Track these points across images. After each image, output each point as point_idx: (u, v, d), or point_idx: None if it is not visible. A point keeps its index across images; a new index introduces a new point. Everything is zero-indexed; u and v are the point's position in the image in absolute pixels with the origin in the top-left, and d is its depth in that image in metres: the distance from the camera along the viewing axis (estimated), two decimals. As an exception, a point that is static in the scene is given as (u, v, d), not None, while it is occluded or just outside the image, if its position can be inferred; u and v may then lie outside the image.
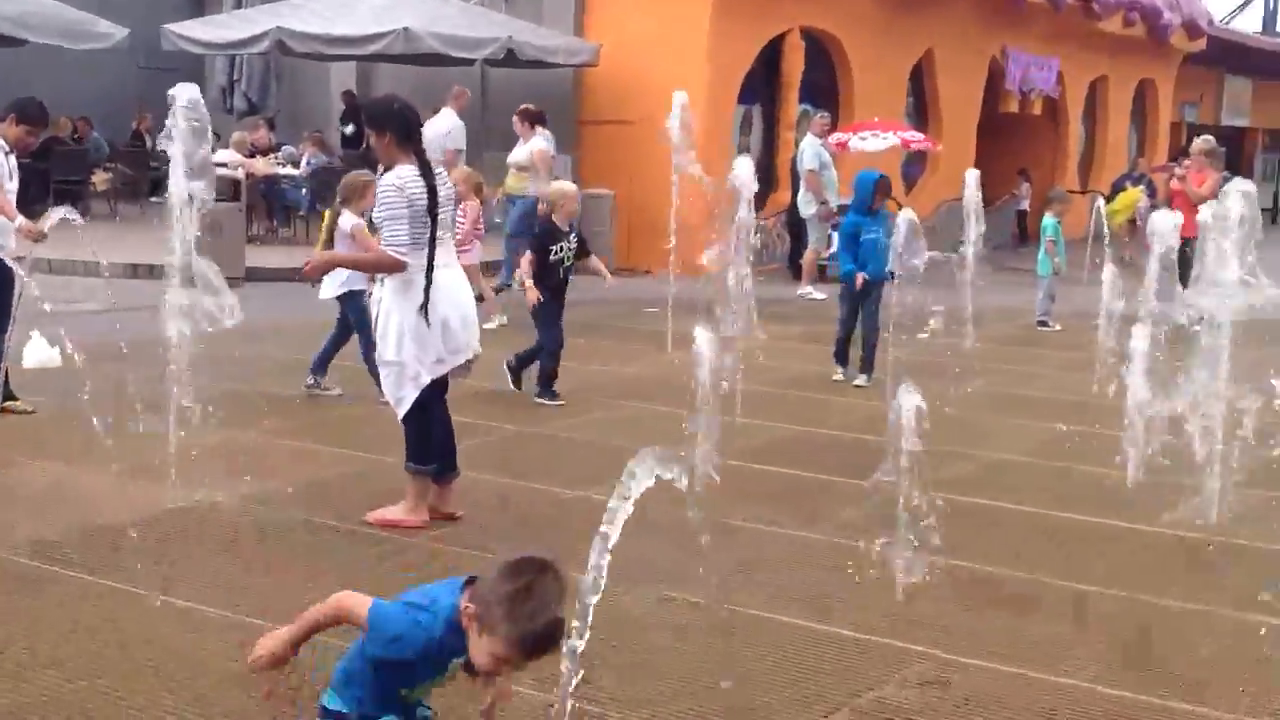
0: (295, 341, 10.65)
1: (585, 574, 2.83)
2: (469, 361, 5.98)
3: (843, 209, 16.62)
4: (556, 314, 8.89)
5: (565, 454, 7.49)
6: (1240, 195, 6.24)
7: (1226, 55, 34.15)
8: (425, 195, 5.62)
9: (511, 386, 8.97)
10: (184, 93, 6.11)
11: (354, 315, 8.34)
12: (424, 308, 5.60)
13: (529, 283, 8.67)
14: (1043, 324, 13.38)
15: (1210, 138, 14.52)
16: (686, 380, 6.46)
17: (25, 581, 5.04)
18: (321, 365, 8.75)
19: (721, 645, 4.62)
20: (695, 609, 4.91)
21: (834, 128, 18.49)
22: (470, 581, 3.05)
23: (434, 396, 5.83)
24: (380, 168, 6.19)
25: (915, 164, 22.86)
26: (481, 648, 2.93)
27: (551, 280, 8.80)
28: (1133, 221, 18.46)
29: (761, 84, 19.71)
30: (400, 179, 5.61)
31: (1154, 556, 5.99)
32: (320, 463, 7.04)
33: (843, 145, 17.99)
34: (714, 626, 4.76)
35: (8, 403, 7.64)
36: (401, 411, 5.79)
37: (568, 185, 9.48)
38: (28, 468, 6.69)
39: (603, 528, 2.72)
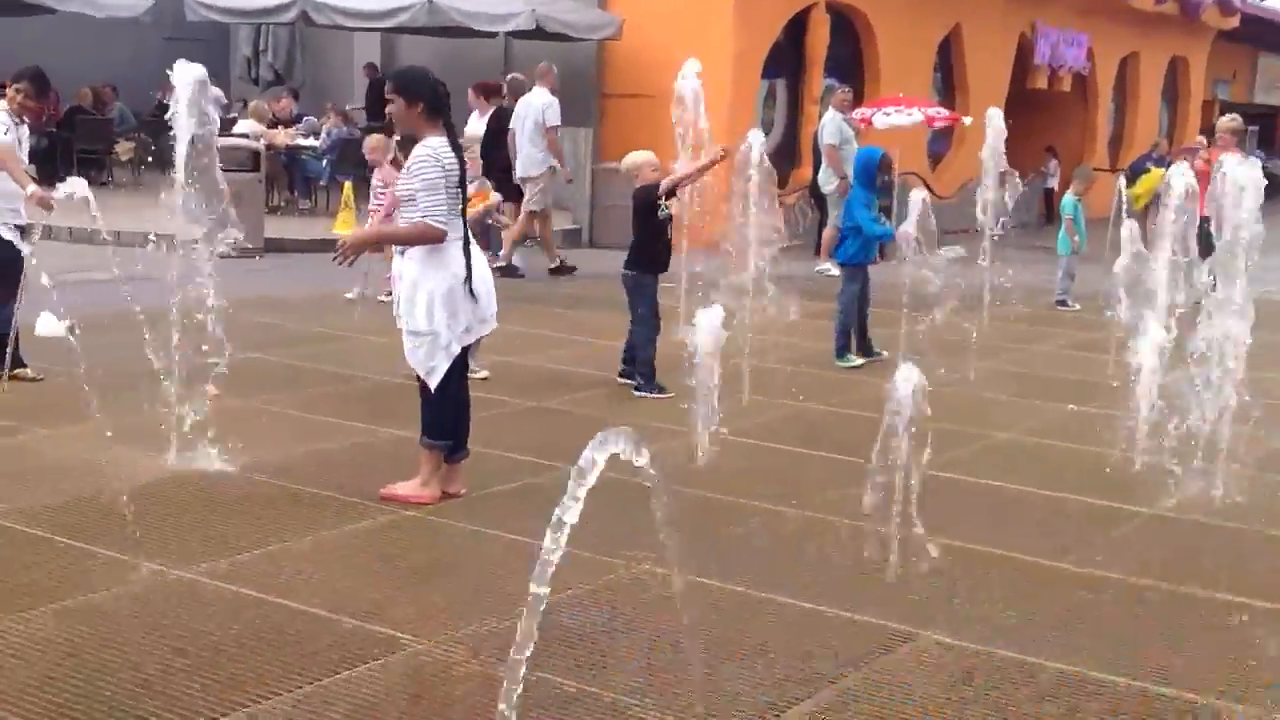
0: (311, 313, 10.74)
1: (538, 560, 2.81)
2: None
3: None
4: (654, 291, 8.38)
5: (572, 428, 7.47)
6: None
7: (1260, 32, 33.68)
8: (458, 167, 5.68)
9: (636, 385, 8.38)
10: (186, 73, 6.10)
11: None
12: (468, 279, 5.65)
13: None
14: (1062, 303, 13.28)
15: (1237, 116, 14.36)
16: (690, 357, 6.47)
17: (26, 548, 5.09)
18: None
19: (708, 621, 4.61)
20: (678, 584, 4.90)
21: (858, 103, 18.38)
22: None
23: (455, 371, 5.84)
24: (397, 137, 6.20)
25: (941, 140, 22.70)
26: None
27: (658, 245, 8.32)
28: (1156, 203, 18.14)
29: (786, 58, 19.59)
30: (434, 149, 5.63)
31: (1155, 539, 5.95)
32: (326, 434, 7.07)
33: (867, 121, 17.86)
34: (705, 604, 4.76)
35: (17, 370, 7.70)
36: (435, 381, 5.77)
37: (639, 155, 8.79)
38: (33, 434, 6.74)
39: (558, 512, 2.70)
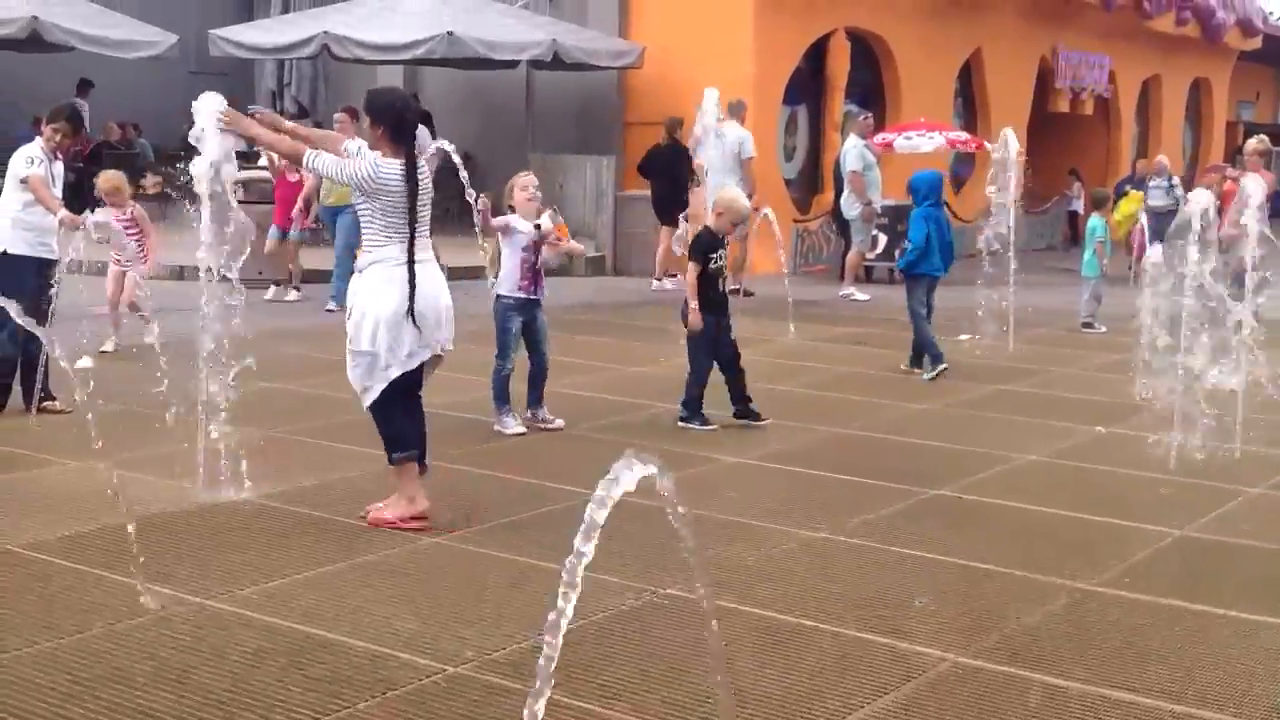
0: (331, 342, 10.74)
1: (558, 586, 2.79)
2: (438, 357, 5.97)
3: (887, 210, 16.61)
4: (711, 339, 8.13)
5: (582, 453, 7.45)
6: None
7: (1284, 53, 33.59)
8: (403, 188, 5.68)
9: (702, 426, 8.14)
10: (209, 103, 6.17)
11: None
12: (410, 304, 5.67)
13: (694, 304, 8.03)
14: (1088, 325, 13.20)
15: (1265, 137, 14.40)
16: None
17: (43, 578, 5.10)
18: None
19: (737, 647, 4.58)
20: (693, 605, 4.87)
21: (879, 127, 18.39)
22: None
23: (407, 391, 5.87)
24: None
25: (964, 164, 22.67)
26: None
27: (711, 293, 8.15)
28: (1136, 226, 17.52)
29: (807, 84, 19.62)
30: (377, 164, 5.70)
31: (1175, 560, 5.88)
32: (348, 462, 7.06)
33: (888, 145, 17.88)
34: (735, 629, 4.73)
35: (46, 403, 7.75)
36: (367, 401, 5.85)
37: (727, 193, 8.72)
38: (61, 466, 6.77)
39: (580, 534, 2.68)
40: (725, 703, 3.65)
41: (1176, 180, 19.13)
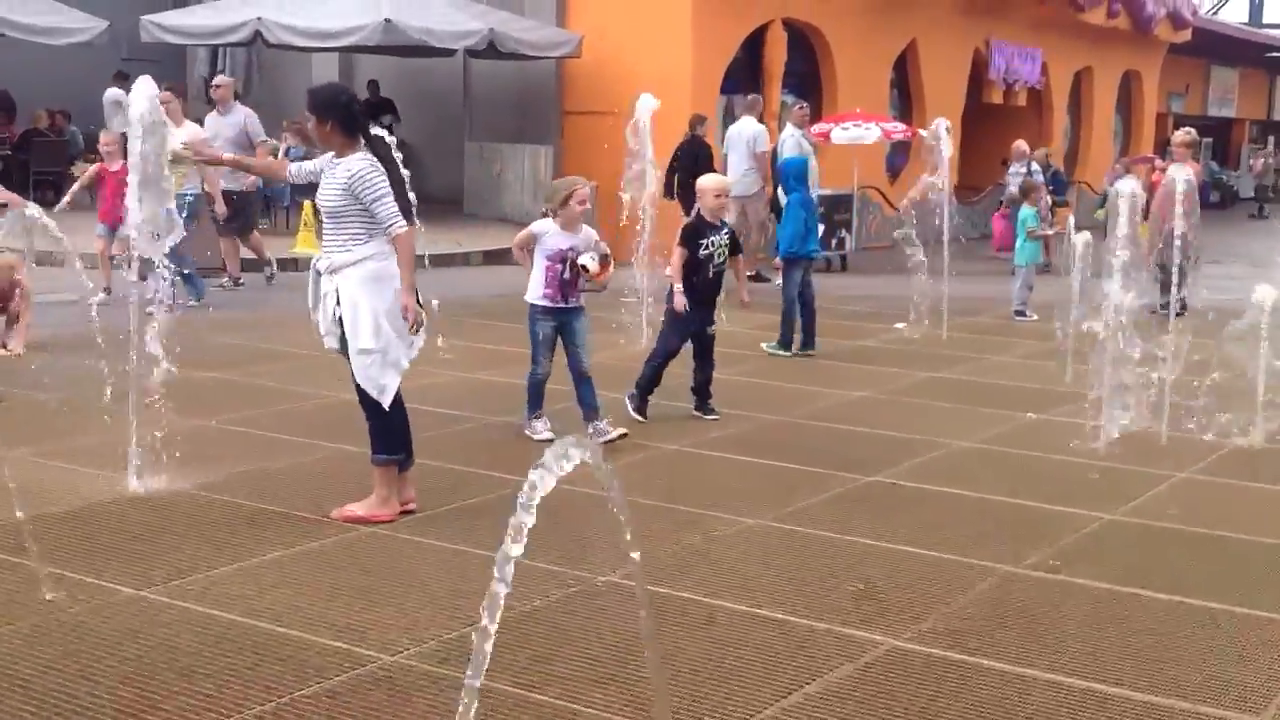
0: (269, 331, 10.68)
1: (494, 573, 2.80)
2: None
3: (824, 199, 16.72)
4: (689, 320, 8.10)
5: (518, 441, 7.45)
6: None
7: (1212, 45, 34.17)
8: (387, 179, 5.69)
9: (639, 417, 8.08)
10: (143, 89, 6.08)
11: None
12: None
13: (679, 286, 7.96)
14: (1020, 314, 13.39)
15: (1192, 130, 14.78)
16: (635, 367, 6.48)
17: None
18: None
19: (672, 632, 4.62)
20: (629, 592, 4.91)
21: (817, 118, 18.49)
22: None
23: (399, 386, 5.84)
24: (318, 152, 6.18)
25: (900, 154, 22.85)
26: None
27: (697, 280, 8.07)
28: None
29: (745, 74, 19.68)
30: (368, 159, 5.66)
31: (1102, 544, 6.00)
32: (285, 452, 7.03)
33: (825, 135, 18.00)
34: (670, 614, 4.77)
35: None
36: (387, 400, 5.76)
37: (707, 179, 8.61)
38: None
39: (513, 521, 2.70)
40: (661, 687, 3.69)
41: (1036, 166, 19.30)
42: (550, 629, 4.65)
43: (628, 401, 8.11)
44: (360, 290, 5.67)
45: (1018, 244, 13.76)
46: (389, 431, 5.84)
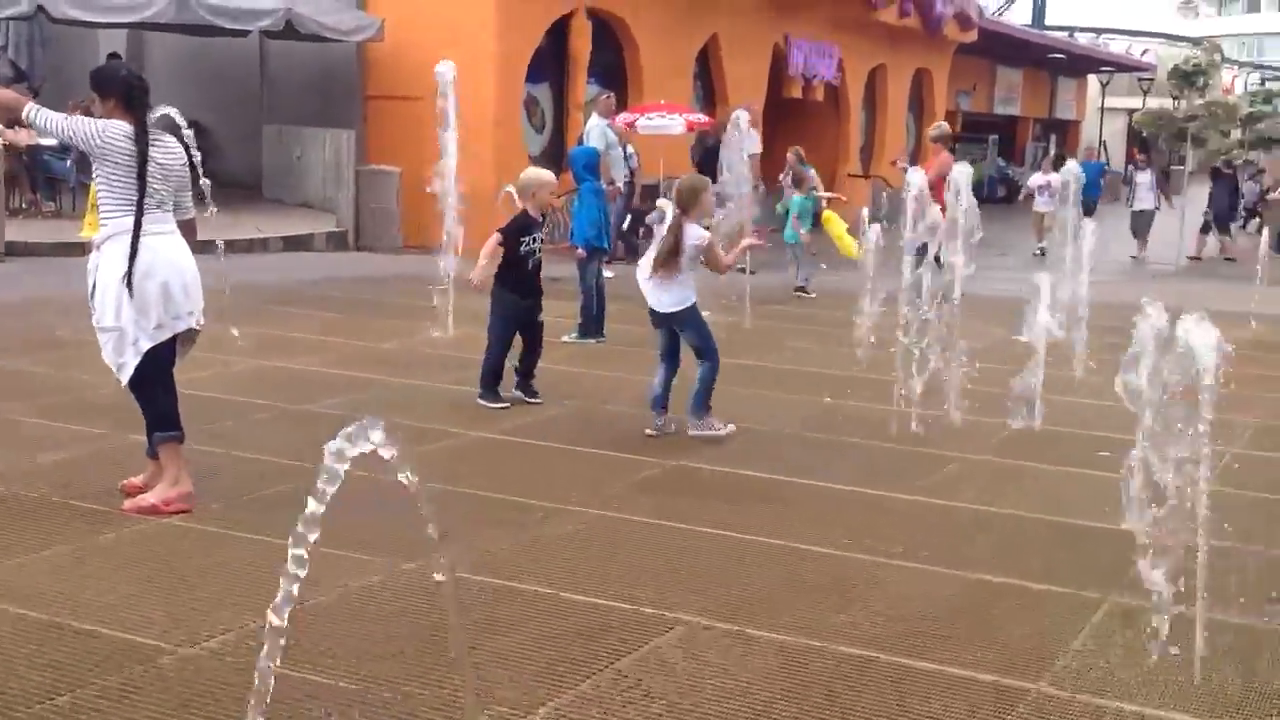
0: (52, 318, 10.23)
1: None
2: (193, 331, 5.81)
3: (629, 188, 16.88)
4: (514, 310, 8.23)
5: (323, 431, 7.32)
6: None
7: (997, 46, 35.67)
8: (132, 151, 5.51)
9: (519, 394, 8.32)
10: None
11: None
12: (129, 273, 5.49)
13: (482, 263, 8.02)
14: (801, 290, 14.53)
15: (943, 124, 15.90)
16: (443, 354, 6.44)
17: None
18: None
19: (473, 616, 4.61)
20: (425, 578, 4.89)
21: (622, 108, 18.62)
22: None
23: (161, 365, 5.69)
24: None
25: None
26: None
27: (520, 274, 8.20)
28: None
29: (550, 63, 19.70)
30: (105, 124, 5.54)
31: (893, 521, 6.22)
32: (67, 442, 6.76)
33: (630, 125, 18.14)
34: (471, 599, 4.76)
35: None
36: (124, 378, 5.67)
37: (537, 173, 8.67)
38: None
39: (306, 508, 2.66)
40: (466, 672, 3.68)
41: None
42: (352, 618, 4.59)
43: (480, 401, 8.11)
44: (107, 267, 5.59)
45: (786, 228, 15.11)
46: (158, 410, 5.73)
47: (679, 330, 7.62)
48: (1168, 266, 21.23)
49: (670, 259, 7.41)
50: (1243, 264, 18.70)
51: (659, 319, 7.63)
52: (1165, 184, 24.13)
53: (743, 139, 14.35)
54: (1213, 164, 27.60)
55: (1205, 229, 23.69)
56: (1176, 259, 21.65)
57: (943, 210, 8.56)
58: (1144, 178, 23.34)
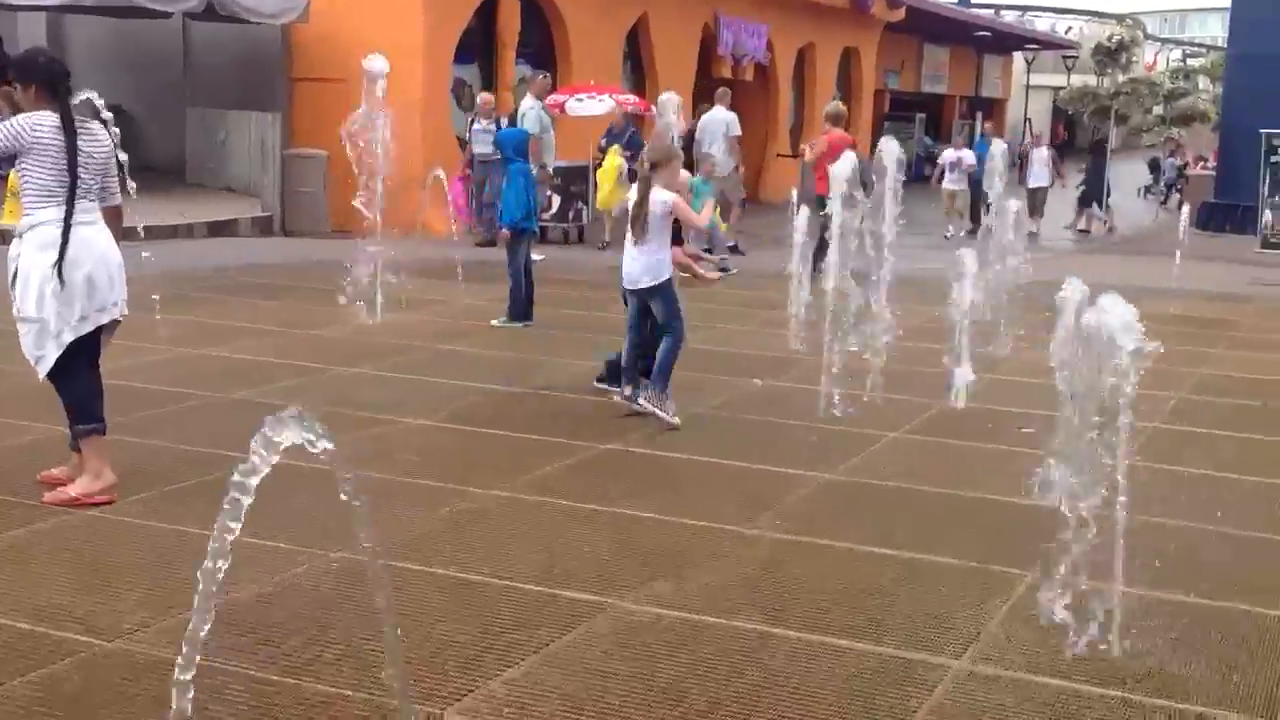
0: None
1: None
2: (115, 322, 5.74)
3: (559, 171, 16.82)
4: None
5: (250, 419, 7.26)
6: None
7: (925, 24, 35.92)
8: (60, 142, 5.42)
9: None
10: None
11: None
12: (59, 264, 5.42)
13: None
14: (723, 270, 14.61)
15: (837, 102, 16.29)
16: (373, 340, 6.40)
17: None
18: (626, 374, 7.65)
19: (402, 604, 4.61)
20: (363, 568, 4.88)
21: (552, 89, 18.53)
22: None
23: (84, 357, 5.62)
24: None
25: (634, 125, 23.15)
26: None
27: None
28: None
29: (479, 44, 19.57)
30: (31, 120, 5.44)
31: (821, 501, 6.29)
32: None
33: (559, 106, 18.06)
34: (400, 588, 4.75)
35: None
36: (42, 371, 5.59)
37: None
38: None
39: (229, 499, 2.65)
40: (397, 663, 3.67)
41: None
42: (280, 608, 4.57)
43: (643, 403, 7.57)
44: (29, 257, 5.50)
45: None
46: (80, 402, 5.66)
47: (649, 301, 7.59)
48: (1065, 242, 21.92)
49: (640, 219, 7.40)
50: (1162, 239, 19.13)
51: (632, 292, 7.63)
52: (1060, 162, 24.64)
53: (676, 123, 14.46)
54: (1093, 140, 28.45)
55: (1084, 200, 24.70)
56: (1072, 235, 22.55)
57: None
58: (1039, 154, 23.78)
